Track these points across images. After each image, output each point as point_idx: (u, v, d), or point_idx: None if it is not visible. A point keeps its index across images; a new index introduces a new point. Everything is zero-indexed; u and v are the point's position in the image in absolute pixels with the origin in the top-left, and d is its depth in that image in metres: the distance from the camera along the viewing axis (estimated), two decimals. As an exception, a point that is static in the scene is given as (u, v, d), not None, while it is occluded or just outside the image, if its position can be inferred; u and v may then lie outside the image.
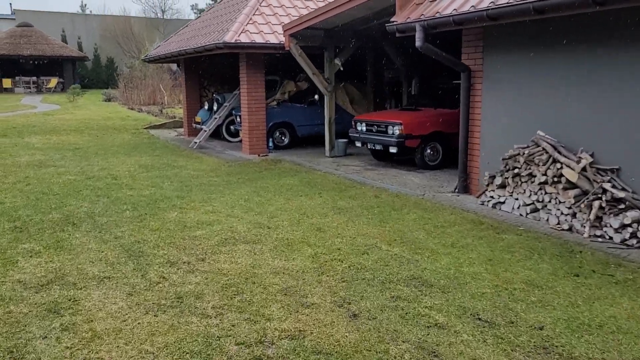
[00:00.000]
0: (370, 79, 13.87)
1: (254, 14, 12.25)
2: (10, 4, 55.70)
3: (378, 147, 10.55)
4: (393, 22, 7.92)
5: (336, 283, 4.76)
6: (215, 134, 15.18)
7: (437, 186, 8.88)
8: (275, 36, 11.88)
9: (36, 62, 39.12)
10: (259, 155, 12.39)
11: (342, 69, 11.84)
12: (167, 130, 18.13)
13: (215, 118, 14.31)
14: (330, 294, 4.51)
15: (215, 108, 15.33)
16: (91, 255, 5.52)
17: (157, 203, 7.72)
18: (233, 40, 11.25)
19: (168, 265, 5.19)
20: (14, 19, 44.57)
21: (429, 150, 10.29)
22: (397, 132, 10.05)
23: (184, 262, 5.28)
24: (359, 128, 11.05)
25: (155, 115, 20.93)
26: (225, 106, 14.36)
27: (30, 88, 37.63)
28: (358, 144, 11.16)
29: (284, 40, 11.48)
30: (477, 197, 7.82)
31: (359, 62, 14.29)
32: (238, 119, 14.25)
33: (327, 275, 4.93)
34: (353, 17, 10.60)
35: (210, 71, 16.96)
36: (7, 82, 36.84)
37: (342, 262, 5.28)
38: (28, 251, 5.63)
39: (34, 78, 38.15)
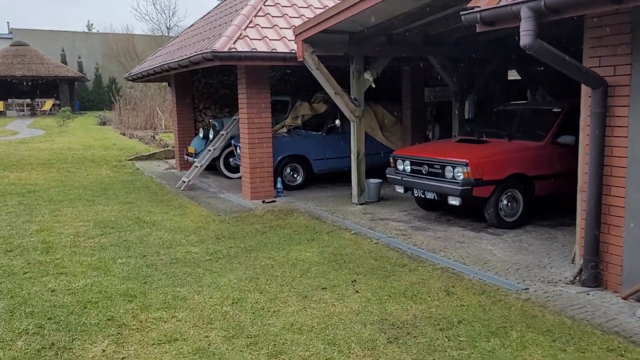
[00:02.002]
0: (407, 99, 10.78)
1: (255, 15, 9.26)
2: (8, 22, 53.55)
3: (430, 195, 7.42)
4: (473, 8, 4.83)
5: None
6: (213, 166, 12.15)
7: (536, 265, 5.71)
8: (284, 43, 8.88)
9: (32, 83, 36.61)
10: (263, 202, 9.31)
11: (373, 85, 8.78)
12: (157, 162, 15.15)
13: (210, 150, 11.28)
14: None
15: (211, 136, 12.33)
16: None
17: (85, 313, 4.64)
18: (226, 49, 8.25)
19: None
20: (11, 38, 42.27)
21: (505, 201, 7.13)
22: (460, 175, 6.92)
23: None
24: (400, 167, 7.94)
25: (146, 143, 18.02)
26: (223, 135, 11.34)
27: (24, 111, 35.06)
28: (399, 190, 8.04)
29: (296, 48, 8.47)
30: (624, 299, 4.66)
31: (391, 77, 11.24)
32: (238, 151, 11.21)
33: None
34: (390, 14, 7.57)
35: (206, 91, 14.02)
36: (-2, 105, 34.34)
37: None
38: None
39: (28, 100, 35.58)
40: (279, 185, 9.80)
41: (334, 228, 7.46)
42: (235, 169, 12.17)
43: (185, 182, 10.88)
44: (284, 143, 10.56)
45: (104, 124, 27.65)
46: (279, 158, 10.26)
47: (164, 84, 26.93)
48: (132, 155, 15.45)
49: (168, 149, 16.03)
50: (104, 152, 16.31)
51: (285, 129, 11.48)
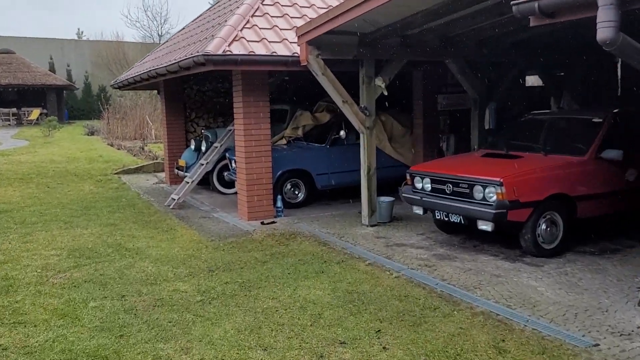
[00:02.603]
0: (419, 107, 9.83)
1: (253, 15, 8.30)
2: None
3: (455, 218, 6.45)
4: (527, -4, 3.88)
5: None
6: (206, 180, 11.13)
7: (596, 308, 4.73)
8: (285, 46, 7.92)
9: (18, 92, 35.48)
10: (262, 223, 8.31)
11: (385, 93, 7.83)
12: (145, 176, 14.12)
13: (202, 164, 10.28)
14: None
15: (204, 148, 11.34)
16: None
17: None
18: (220, 52, 7.27)
19: None
20: (-3, 45, 41.15)
21: (543, 226, 6.16)
22: (493, 196, 5.96)
23: None
24: (419, 185, 6.97)
25: (134, 155, 16.97)
26: (216, 147, 10.35)
27: (9, 120, 33.90)
28: (417, 211, 7.07)
29: (299, 51, 7.52)
30: None
31: (400, 83, 10.29)
32: (233, 165, 10.22)
33: None
34: (408, 11, 6.64)
35: (199, 99, 13.02)
36: (-17, 115, 33.18)
37: None
38: None
39: (14, 109, 34.43)
40: (279, 203, 8.81)
41: (344, 257, 6.47)
42: (230, 184, 11.17)
43: (174, 199, 9.87)
44: (284, 156, 9.58)
45: (92, 133, 26.59)
46: (279, 173, 9.28)
47: (155, 91, 25.94)
48: (119, 169, 14.41)
49: (157, 161, 15.00)
50: (89, 165, 15.25)
51: (284, 141, 10.52)
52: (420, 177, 6.95)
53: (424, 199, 6.80)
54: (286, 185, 9.52)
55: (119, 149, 19.33)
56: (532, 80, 10.89)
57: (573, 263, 5.99)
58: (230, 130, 10.29)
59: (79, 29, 66.34)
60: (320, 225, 8.15)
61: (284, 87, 13.69)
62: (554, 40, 8.30)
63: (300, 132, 10.33)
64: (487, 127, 8.62)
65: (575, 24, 7.52)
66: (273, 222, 8.37)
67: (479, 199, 6.13)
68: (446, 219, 6.61)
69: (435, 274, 5.73)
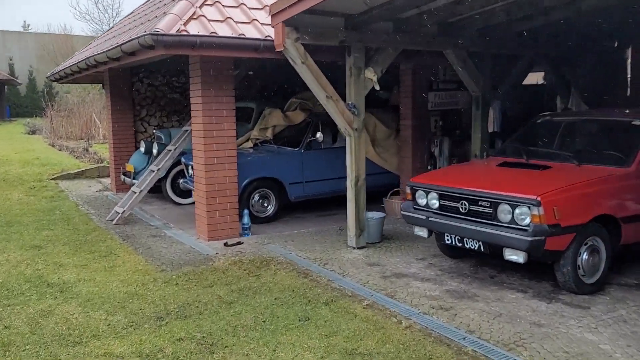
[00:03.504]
0: (407, 106, 8.50)
1: (215, -10, 6.79)
2: None
3: (472, 245, 5.13)
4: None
5: None
6: (158, 187, 9.51)
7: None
8: (255, 27, 6.46)
9: (-47, 87, 32.59)
10: (226, 245, 6.81)
11: (377, 87, 6.46)
12: (88, 182, 12.35)
13: (153, 170, 8.68)
14: None
15: (155, 151, 9.74)
16: None
17: None
18: (173, 32, 5.75)
19: None
20: None
21: (585, 256, 4.91)
22: (526, 218, 4.66)
23: None
24: (421, 201, 5.64)
25: (77, 157, 15.07)
26: (170, 151, 8.77)
27: (-58, 118, 31.02)
28: (420, 232, 5.73)
29: (274, 34, 6.08)
30: None
31: (384, 78, 8.98)
32: (190, 171, 8.68)
33: None
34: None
35: (150, 95, 11.37)
36: None
37: None
38: None
39: (-52, 106, 31.56)
40: (246, 219, 7.32)
41: (334, 294, 5.06)
42: (186, 194, 9.61)
43: (119, 213, 8.24)
44: (251, 162, 8.10)
45: (33, 132, 24.32)
46: (245, 182, 7.80)
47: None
48: (57, 173, 12.57)
49: (103, 165, 13.24)
50: (22, 168, 13.31)
51: (250, 144, 9.04)
52: (425, 191, 5.61)
53: (430, 219, 5.45)
54: (253, 197, 8.05)
55: (60, 149, 17.33)
56: (531, 78, 9.76)
57: (623, 302, 4.75)
58: (186, 130, 8.74)
59: (25, 22, 62.60)
60: (296, 246, 6.72)
61: (248, 82, 12.20)
62: (566, 28, 7.12)
63: (269, 134, 8.87)
64: (491, 129, 7.39)
65: (592, 10, 6.42)
66: (239, 243, 6.88)
67: (505, 221, 4.82)
68: (459, 244, 5.28)
69: (457, 322, 4.38)
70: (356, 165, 6.44)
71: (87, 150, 15.80)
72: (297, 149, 8.45)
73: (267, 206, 8.18)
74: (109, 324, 4.42)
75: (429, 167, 8.45)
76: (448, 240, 5.39)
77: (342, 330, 4.25)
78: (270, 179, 8.15)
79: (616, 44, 8.47)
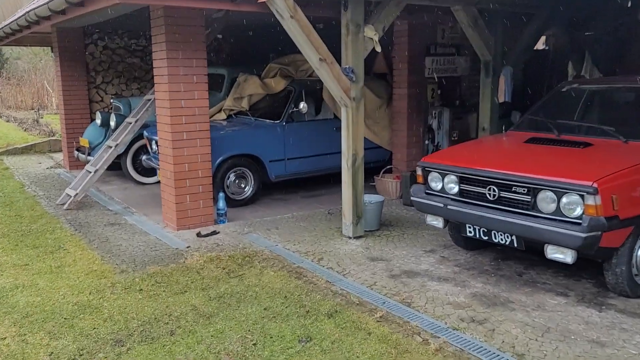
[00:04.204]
0: (401, 72, 7.51)
1: None
2: None
3: (503, 239, 4.25)
4: None
5: None
6: (118, 163, 8.36)
7: None
8: (232, -27, 5.32)
9: None
10: (199, 235, 5.78)
11: (378, 49, 5.44)
12: (38, 158, 11.04)
13: (110, 146, 7.51)
14: None
15: (113, 124, 8.55)
16: None
17: None
18: (131, -26, 4.59)
19: None
20: None
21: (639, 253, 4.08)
22: (578, 210, 3.78)
23: None
24: (436, 186, 4.71)
25: (26, 129, 13.61)
26: (130, 123, 7.60)
27: None
28: (434, 222, 4.82)
29: (256, -20, 4.97)
30: None
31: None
32: (154, 147, 7.56)
33: None
34: None
35: (106, 59, 10.09)
36: None
37: None
38: None
39: None
40: (221, 204, 6.28)
41: (336, 301, 4.12)
42: (149, 171, 8.48)
43: (70, 196, 7.08)
44: (226, 137, 7.03)
45: (-21, 102, 22.39)
46: (219, 160, 6.75)
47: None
48: (2, 148, 11.21)
49: (55, 138, 11.90)
50: (-39, 143, 11.88)
51: (223, 115, 7.94)
52: (440, 173, 4.68)
53: (449, 206, 4.53)
54: (229, 177, 7.00)
55: (8, 121, 15.78)
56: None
57: (687, 309, 3.96)
58: (149, 100, 7.57)
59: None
60: (282, 236, 5.74)
61: (217, 46, 11.01)
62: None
63: (245, 104, 7.77)
64: (502, 99, 6.48)
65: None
66: (214, 233, 5.86)
67: (547, 212, 3.93)
68: (484, 237, 4.40)
69: (498, 341, 3.50)
70: (353, 142, 5.46)
71: (38, 121, 14.33)
72: (278, 121, 7.40)
73: (245, 187, 7.15)
74: (51, 355, 3.38)
75: (426, 142, 7.53)
76: (470, 232, 4.50)
77: (357, 357, 3.32)
78: (247, 156, 7.10)
79: (629, 3, 7.61)
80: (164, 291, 4.35)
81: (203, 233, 5.82)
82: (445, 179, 4.64)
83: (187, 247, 5.44)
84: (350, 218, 5.55)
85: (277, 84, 7.67)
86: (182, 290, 4.37)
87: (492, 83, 6.42)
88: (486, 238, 4.38)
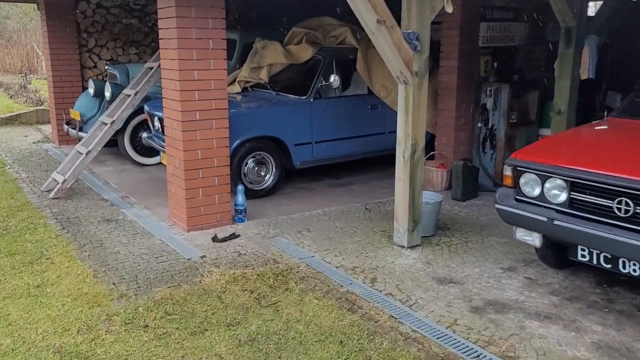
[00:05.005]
0: (451, 41, 6.29)
1: None
2: None
3: (637, 270, 3.15)
4: None
5: None
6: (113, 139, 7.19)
7: None
8: None
9: None
10: (215, 240, 4.66)
11: (450, 10, 4.23)
12: (24, 130, 9.84)
13: (106, 123, 6.33)
14: None
15: (108, 94, 7.36)
16: None
17: None
18: None
19: None
20: None
21: None
22: None
23: None
24: (534, 191, 3.60)
25: (12, 96, 12.32)
26: (128, 96, 6.41)
27: None
28: (527, 238, 3.71)
29: None
30: None
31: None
32: (156, 124, 6.41)
33: None
34: None
35: (99, 20, 8.81)
36: None
37: None
38: None
39: None
40: (241, 199, 5.15)
41: (411, 350, 3.04)
42: (150, 150, 7.33)
43: (58, 182, 5.94)
44: (244, 116, 5.87)
45: (-36, 64, 20.92)
46: (235, 144, 5.60)
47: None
48: (-17, 119, 10.00)
49: (43, 108, 10.67)
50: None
51: (237, 88, 6.74)
52: (540, 174, 3.55)
53: (556, 222, 3.42)
54: (246, 163, 5.86)
55: (-7, 86, 14.49)
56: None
57: None
58: (151, 68, 6.37)
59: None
60: (317, 241, 4.65)
61: (225, 5, 9.67)
62: None
63: (264, 75, 6.57)
64: (585, 75, 5.31)
65: None
66: (233, 236, 4.75)
67: None
68: (607, 265, 3.30)
69: None
70: (413, 129, 4.31)
71: (25, 87, 13.02)
72: (305, 97, 6.22)
73: (265, 175, 6.02)
74: None
75: (478, 124, 6.38)
76: (583, 257, 3.40)
77: None
78: (268, 138, 5.95)
79: None
80: (177, 329, 3.26)
81: (220, 237, 4.71)
82: (547, 184, 3.52)
83: (202, 256, 4.34)
84: (406, 224, 4.44)
85: (303, 52, 6.45)
86: (201, 327, 3.28)
87: (574, 55, 5.23)
88: (609, 266, 3.30)
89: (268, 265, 4.17)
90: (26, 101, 11.54)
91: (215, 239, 4.68)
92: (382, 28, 3.97)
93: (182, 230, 4.90)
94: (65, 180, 5.89)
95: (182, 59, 4.54)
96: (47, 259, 4.24)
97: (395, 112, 6.62)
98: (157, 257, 4.32)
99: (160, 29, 4.75)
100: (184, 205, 4.84)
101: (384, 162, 6.90)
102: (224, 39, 4.71)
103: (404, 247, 4.52)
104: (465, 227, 5.07)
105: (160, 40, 4.80)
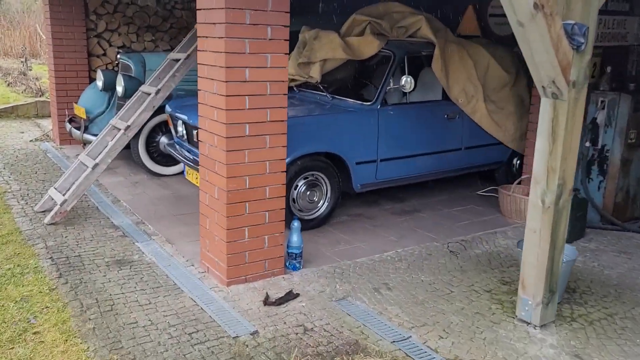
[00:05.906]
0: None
1: None
2: None
3: None
4: None
5: None
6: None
7: None
8: None
9: None
10: (266, 303, 3.38)
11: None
12: (20, 124, 8.57)
13: (117, 128, 5.04)
14: None
15: (121, 89, 6.09)
16: None
17: None
18: None
19: None
20: None
21: None
22: None
23: None
24: None
25: (9, 84, 11.01)
26: (149, 95, 5.12)
27: None
28: None
29: None
30: None
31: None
32: (180, 129, 5.14)
33: None
34: None
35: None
36: None
37: None
38: None
39: None
40: (296, 238, 3.86)
41: None
42: (168, 157, 6.06)
43: (56, 203, 4.66)
44: (294, 127, 4.54)
45: (-37, 46, 19.64)
46: (289, 160, 4.29)
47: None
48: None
49: (44, 99, 9.40)
50: None
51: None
52: None
53: None
54: (296, 187, 4.58)
55: (-9, 72, 13.20)
56: None
57: None
58: (176, 61, 5.08)
59: None
60: (405, 309, 3.37)
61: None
62: None
63: (315, 73, 5.24)
64: None
65: None
66: (291, 296, 3.47)
67: None
68: None
69: None
70: (562, 161, 3.01)
71: (25, 74, 11.71)
72: (371, 103, 4.92)
73: (318, 202, 4.74)
74: None
75: (586, 144, 5.07)
76: None
77: None
78: (325, 155, 4.66)
79: None
80: None
81: (273, 298, 3.44)
82: None
83: (253, 333, 3.06)
84: (540, 294, 3.15)
85: (368, 46, 5.13)
86: None
87: None
88: None
89: (350, 355, 2.89)
90: (25, 90, 10.23)
91: (267, 301, 3.40)
92: (538, 16, 2.66)
93: (220, 283, 3.63)
94: (65, 201, 4.61)
95: (231, 52, 3.25)
96: (34, 333, 2.97)
97: (475, 124, 5.37)
98: (190, 334, 3.04)
99: (199, 9, 3.45)
100: (223, 250, 3.56)
101: (449, 178, 5.68)
102: (287, 26, 3.41)
103: (529, 323, 3.23)
104: (594, 287, 3.79)
105: (198, 25, 3.50)
